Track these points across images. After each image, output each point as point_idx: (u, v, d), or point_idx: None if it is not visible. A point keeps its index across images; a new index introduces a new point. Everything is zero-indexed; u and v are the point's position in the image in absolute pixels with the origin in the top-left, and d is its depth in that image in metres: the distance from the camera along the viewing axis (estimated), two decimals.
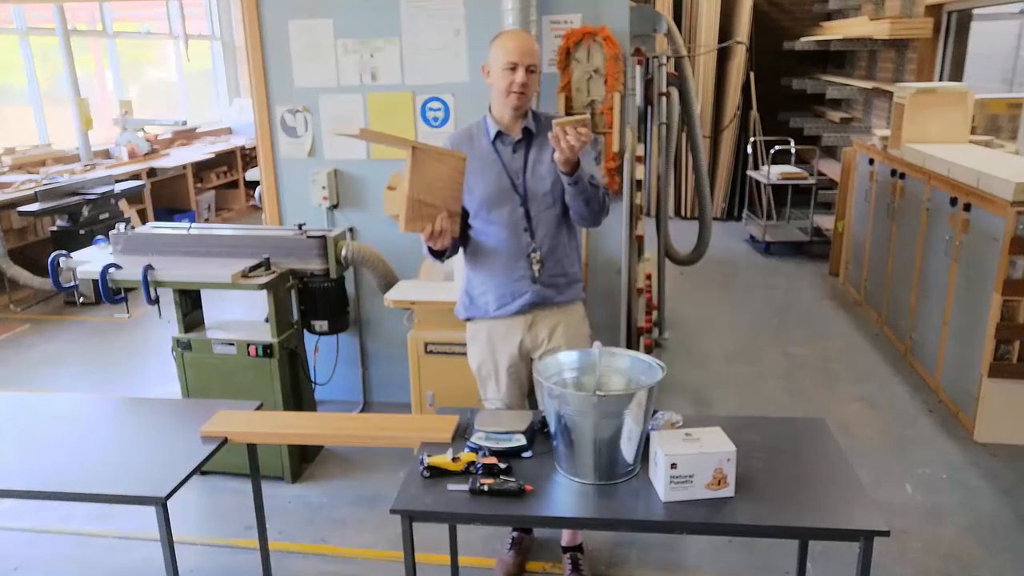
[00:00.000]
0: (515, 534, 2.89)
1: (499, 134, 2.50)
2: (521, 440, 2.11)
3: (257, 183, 4.30)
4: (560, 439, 2.01)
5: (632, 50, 3.71)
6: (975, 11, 5.72)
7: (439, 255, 2.49)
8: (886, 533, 1.78)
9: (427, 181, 2.23)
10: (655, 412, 2.20)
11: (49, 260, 3.45)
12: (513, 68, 2.39)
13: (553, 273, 2.55)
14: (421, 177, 2.21)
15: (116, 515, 3.24)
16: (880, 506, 1.89)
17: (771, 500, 1.91)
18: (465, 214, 2.53)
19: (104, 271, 3.27)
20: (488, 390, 2.70)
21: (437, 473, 2.03)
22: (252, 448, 2.49)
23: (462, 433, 2.24)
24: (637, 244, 4.01)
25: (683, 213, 8.40)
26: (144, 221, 7.29)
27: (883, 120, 6.81)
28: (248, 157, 9.57)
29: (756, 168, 7.67)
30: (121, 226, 3.54)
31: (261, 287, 3.23)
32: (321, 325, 3.64)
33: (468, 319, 2.70)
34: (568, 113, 3.55)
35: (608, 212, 2.53)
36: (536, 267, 2.52)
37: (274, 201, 4.01)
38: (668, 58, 4.46)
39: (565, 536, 2.86)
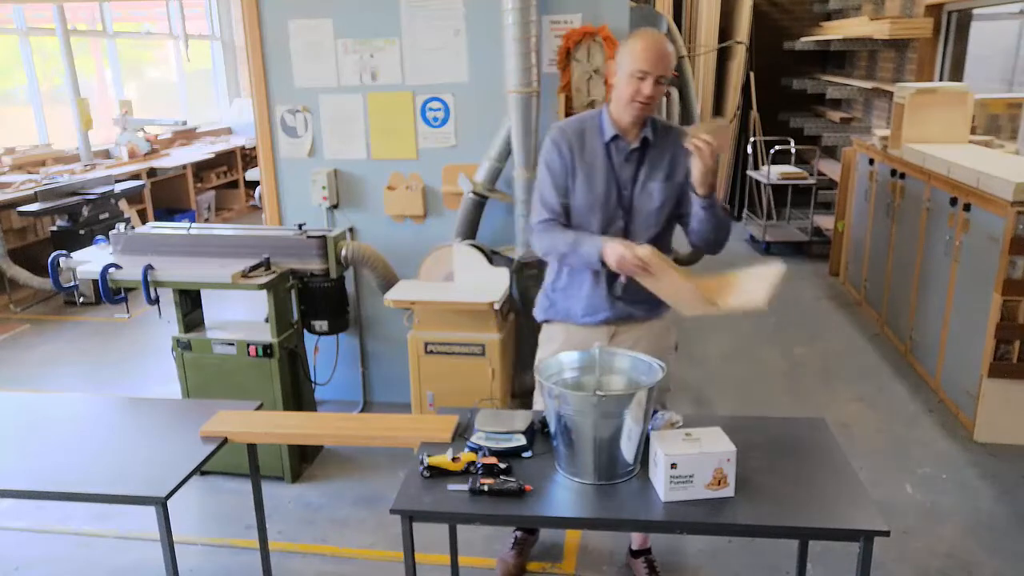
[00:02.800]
0: (517, 534, 2.88)
1: (615, 137, 2.33)
2: (521, 440, 2.11)
3: (257, 183, 4.30)
4: (560, 439, 2.01)
5: None
6: (975, 11, 5.72)
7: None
8: (886, 533, 1.78)
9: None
10: (655, 412, 2.20)
11: (49, 260, 3.45)
12: (642, 77, 2.21)
13: (642, 292, 2.38)
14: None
15: (116, 515, 3.24)
16: (880, 506, 1.88)
17: (771, 500, 1.91)
18: (566, 212, 2.41)
19: (104, 271, 3.27)
20: None
21: (437, 473, 2.03)
22: (252, 448, 2.49)
23: (462, 433, 2.24)
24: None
25: None
26: (144, 221, 7.29)
27: (883, 120, 6.81)
28: (248, 157, 9.57)
29: (756, 168, 7.67)
30: (121, 226, 3.55)
31: (261, 287, 3.24)
32: (321, 325, 3.64)
33: (545, 321, 2.58)
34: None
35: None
36: (620, 288, 2.37)
37: (274, 201, 4.01)
38: None
39: (636, 539, 2.79)
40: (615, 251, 2.21)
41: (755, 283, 2.05)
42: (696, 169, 2.19)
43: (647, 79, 2.22)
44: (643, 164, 2.35)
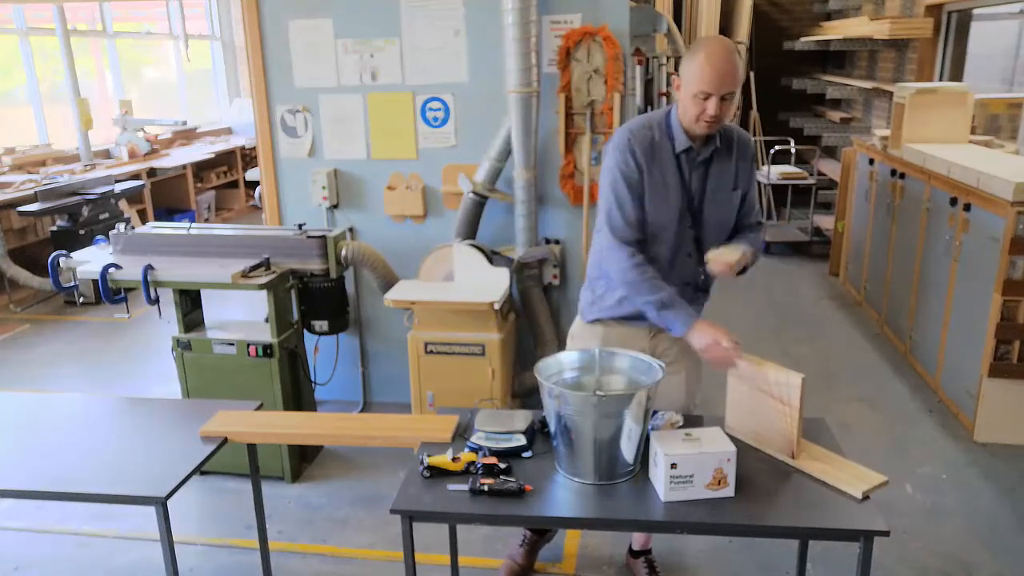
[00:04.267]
0: (527, 534, 2.83)
1: (687, 149, 2.23)
2: (521, 440, 2.11)
3: (257, 183, 4.30)
4: (560, 439, 2.01)
5: (632, 50, 3.71)
6: (975, 11, 5.72)
7: None
8: (886, 533, 1.78)
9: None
10: (655, 412, 2.20)
11: (49, 260, 3.45)
12: (706, 97, 2.10)
13: (703, 299, 2.37)
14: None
15: (116, 515, 3.24)
16: (880, 506, 1.88)
17: (771, 500, 1.91)
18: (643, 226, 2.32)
19: (104, 271, 3.27)
20: None
21: (437, 473, 2.03)
22: (252, 448, 2.49)
23: (462, 433, 2.24)
24: None
25: None
26: (144, 221, 7.29)
27: (883, 120, 6.81)
28: (248, 157, 9.57)
29: (756, 168, 7.66)
30: (121, 226, 3.55)
31: (261, 287, 3.23)
32: (321, 325, 3.64)
33: (597, 320, 2.45)
34: (568, 113, 3.55)
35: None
36: (695, 294, 2.33)
37: (274, 201, 4.01)
38: (668, 58, 4.47)
39: (637, 540, 2.79)
40: (705, 337, 2.15)
41: (858, 474, 1.96)
42: (717, 271, 2.25)
43: (711, 99, 2.10)
44: (711, 174, 2.27)
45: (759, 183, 7.37)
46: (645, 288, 2.22)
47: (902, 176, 4.76)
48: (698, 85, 2.09)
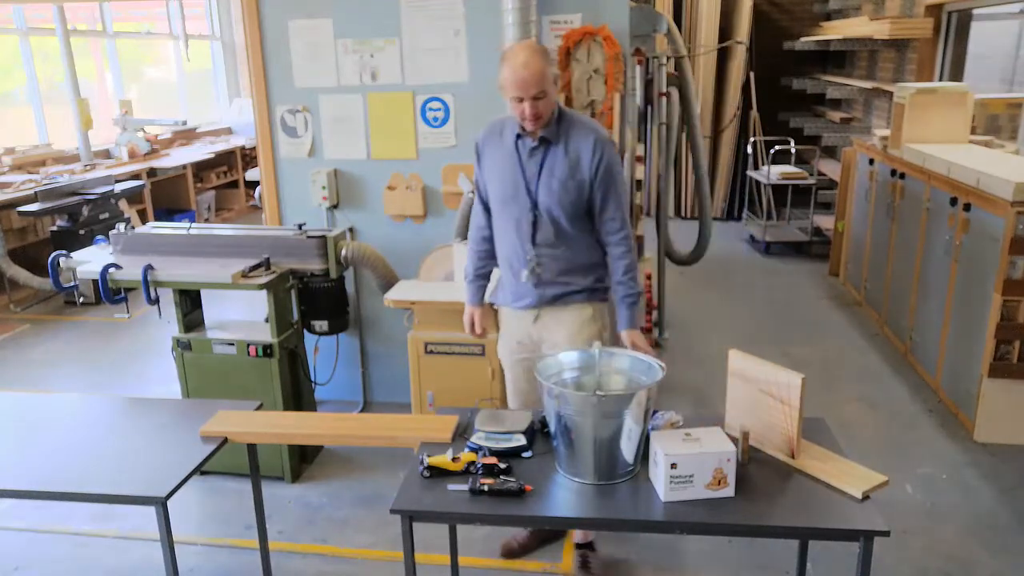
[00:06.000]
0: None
1: (519, 136, 2.47)
2: (521, 440, 2.12)
3: (257, 183, 4.30)
4: (560, 439, 2.01)
5: (632, 50, 3.71)
6: (975, 11, 5.71)
7: None
8: (886, 533, 1.78)
9: None
10: (655, 412, 2.20)
11: (49, 260, 3.45)
12: (520, 100, 2.33)
13: (554, 279, 2.54)
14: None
15: (116, 515, 3.24)
16: (880, 506, 1.88)
17: (771, 500, 1.91)
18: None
19: (104, 271, 3.27)
20: (508, 382, 2.77)
21: (437, 473, 2.03)
22: (252, 448, 2.49)
23: (462, 433, 2.25)
24: (637, 244, 4.01)
25: (683, 213, 8.40)
26: (144, 221, 7.29)
27: (883, 120, 6.81)
28: (248, 157, 9.57)
29: (756, 168, 7.67)
30: (121, 226, 3.55)
31: (261, 287, 3.23)
32: (321, 325, 3.64)
33: (494, 304, 2.77)
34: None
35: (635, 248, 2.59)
36: (538, 272, 2.52)
37: (274, 201, 4.02)
38: (668, 58, 4.47)
39: (578, 532, 2.86)
40: (466, 318, 2.77)
41: (858, 474, 1.97)
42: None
43: (525, 101, 2.32)
44: (546, 158, 2.45)
45: (759, 182, 7.37)
46: (469, 256, 2.74)
47: (902, 176, 4.76)
48: (510, 91, 2.33)
